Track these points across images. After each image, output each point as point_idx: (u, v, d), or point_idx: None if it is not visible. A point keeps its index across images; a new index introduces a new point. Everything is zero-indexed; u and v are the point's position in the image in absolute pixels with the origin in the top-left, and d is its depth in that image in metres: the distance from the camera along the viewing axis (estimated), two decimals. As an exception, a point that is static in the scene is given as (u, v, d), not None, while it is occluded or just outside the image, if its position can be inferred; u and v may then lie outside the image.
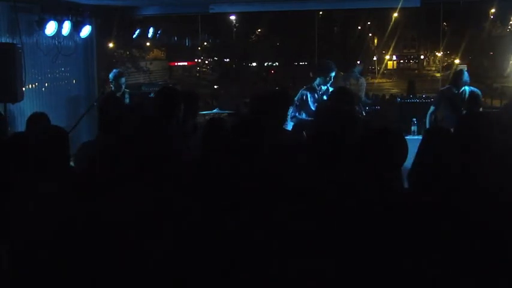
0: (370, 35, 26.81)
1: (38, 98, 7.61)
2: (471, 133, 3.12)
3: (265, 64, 25.40)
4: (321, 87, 6.16)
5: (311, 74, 8.18)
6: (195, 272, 2.50)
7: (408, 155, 2.72)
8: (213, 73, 25.95)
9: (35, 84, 7.50)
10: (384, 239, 2.39)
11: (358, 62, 12.97)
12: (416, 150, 2.89)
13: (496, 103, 15.77)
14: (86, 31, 8.11)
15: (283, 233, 2.44)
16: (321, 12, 17.22)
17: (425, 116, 7.15)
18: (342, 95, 4.99)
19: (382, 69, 31.05)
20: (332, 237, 2.42)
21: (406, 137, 2.76)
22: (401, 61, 37.10)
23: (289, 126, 5.04)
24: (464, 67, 7.38)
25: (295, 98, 6.08)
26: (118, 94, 7.12)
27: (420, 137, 3.31)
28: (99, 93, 8.35)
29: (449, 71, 16.35)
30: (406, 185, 2.95)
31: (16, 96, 6.25)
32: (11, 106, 6.55)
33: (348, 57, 20.10)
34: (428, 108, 7.21)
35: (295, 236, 2.43)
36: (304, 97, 6.14)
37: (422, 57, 36.28)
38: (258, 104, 4.19)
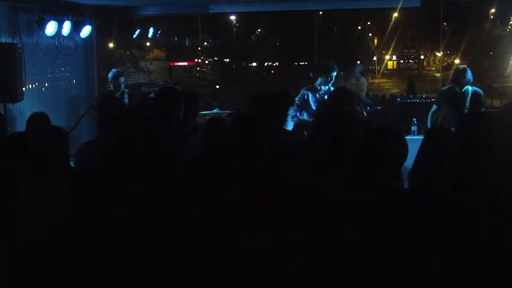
0: (370, 35, 26.80)
1: (38, 98, 7.60)
2: (472, 133, 3.12)
3: (265, 64, 25.37)
4: (322, 87, 6.16)
5: (311, 74, 8.17)
6: (195, 272, 2.50)
7: (408, 155, 2.72)
8: (213, 73, 25.92)
9: (35, 84, 7.50)
10: (384, 239, 2.39)
11: (358, 62, 12.99)
12: (416, 150, 2.89)
13: (496, 103, 15.75)
14: (86, 31, 8.11)
15: (283, 233, 2.44)
16: (321, 12, 17.21)
17: (427, 116, 7.12)
18: (342, 95, 4.99)
19: (382, 69, 31.04)
20: (332, 237, 2.42)
21: (406, 137, 2.76)
22: (401, 61, 37.09)
23: (290, 126, 5.03)
24: (465, 67, 7.38)
25: (296, 98, 6.08)
26: (117, 94, 7.11)
27: (420, 137, 3.32)
28: (99, 93, 8.35)
29: (449, 71, 16.35)
30: (406, 185, 2.95)
31: (16, 96, 6.25)
32: (11, 106, 6.55)
33: (348, 57, 20.09)
34: (428, 108, 7.19)
35: (295, 236, 2.43)
36: (306, 97, 6.14)
37: (422, 57, 36.27)
38: (258, 104, 4.19)
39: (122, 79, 7.26)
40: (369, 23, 24.91)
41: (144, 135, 2.98)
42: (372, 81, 25.57)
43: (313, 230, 2.43)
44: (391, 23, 20.49)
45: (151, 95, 7.48)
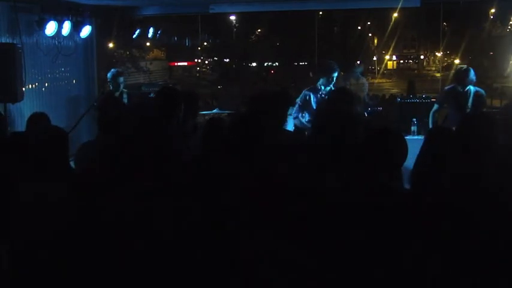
0: (370, 35, 26.81)
1: (38, 98, 7.60)
2: (472, 133, 3.12)
3: (265, 64, 25.38)
4: (323, 88, 6.16)
5: (311, 74, 8.18)
6: (195, 272, 2.49)
7: (408, 155, 2.72)
8: (213, 73, 25.93)
9: (35, 84, 7.49)
10: (384, 239, 2.39)
11: (358, 62, 12.98)
12: (416, 150, 2.89)
13: (496, 103, 15.73)
14: (86, 31, 8.11)
15: (283, 233, 2.44)
16: (321, 12, 17.23)
17: (427, 116, 7.11)
18: (342, 95, 4.98)
19: (382, 69, 31.05)
20: (332, 237, 2.42)
21: (406, 137, 2.76)
22: (401, 61, 37.09)
23: (290, 126, 5.02)
24: (467, 67, 7.34)
25: (298, 99, 6.08)
26: (116, 94, 7.11)
27: (420, 137, 3.32)
28: (99, 93, 8.35)
29: (449, 71, 16.35)
30: (406, 185, 2.95)
31: (16, 96, 6.25)
32: (11, 106, 6.55)
33: (348, 57, 20.10)
34: (428, 108, 7.17)
35: (295, 236, 2.43)
36: (307, 97, 6.15)
37: (422, 57, 36.26)
38: (258, 104, 4.18)
39: (121, 79, 7.26)
40: (368, 23, 24.93)
41: (144, 135, 2.98)
42: (372, 81, 25.58)
43: (313, 230, 2.43)
44: (391, 23, 20.50)
45: (151, 95, 7.48)
